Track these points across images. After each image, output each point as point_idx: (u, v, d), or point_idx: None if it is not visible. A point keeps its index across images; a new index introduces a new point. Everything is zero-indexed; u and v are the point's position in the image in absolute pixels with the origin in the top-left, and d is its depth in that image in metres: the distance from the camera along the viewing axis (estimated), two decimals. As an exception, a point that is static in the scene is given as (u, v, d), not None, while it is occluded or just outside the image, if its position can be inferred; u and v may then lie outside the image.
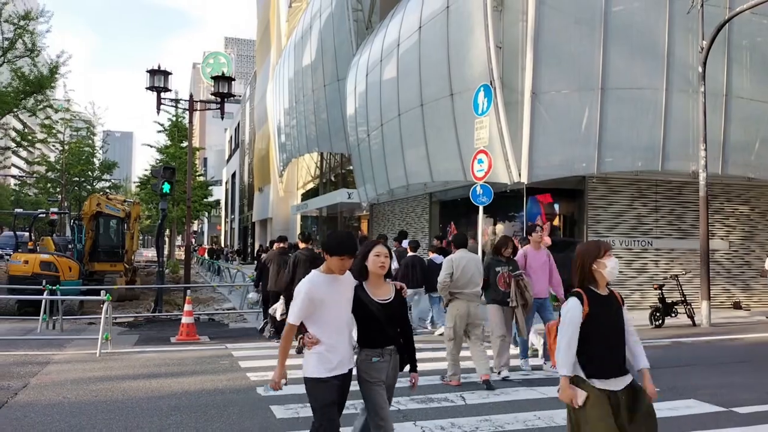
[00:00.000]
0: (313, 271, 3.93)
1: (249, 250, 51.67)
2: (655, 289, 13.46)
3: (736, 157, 15.35)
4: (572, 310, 3.55)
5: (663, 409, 6.31)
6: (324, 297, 3.82)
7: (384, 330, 4.03)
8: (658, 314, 12.97)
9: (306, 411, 6.19)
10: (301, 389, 7.14)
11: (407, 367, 4.26)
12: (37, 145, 45.93)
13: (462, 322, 7.40)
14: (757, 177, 15.89)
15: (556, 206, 15.70)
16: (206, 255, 46.68)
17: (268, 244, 19.15)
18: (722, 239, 16.37)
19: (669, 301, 13.24)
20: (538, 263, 8.49)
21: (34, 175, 50.24)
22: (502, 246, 8.05)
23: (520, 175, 13.99)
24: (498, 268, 7.93)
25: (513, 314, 7.95)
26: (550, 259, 8.62)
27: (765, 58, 15.58)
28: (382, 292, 4.07)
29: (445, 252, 10.84)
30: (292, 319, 3.84)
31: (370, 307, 4.00)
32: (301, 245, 10.24)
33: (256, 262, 18.99)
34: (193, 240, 65.48)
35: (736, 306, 16.20)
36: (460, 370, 7.56)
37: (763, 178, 15.96)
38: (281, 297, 9.69)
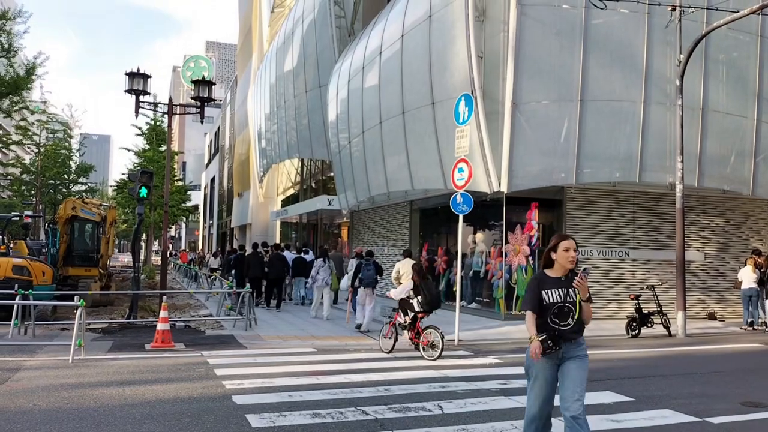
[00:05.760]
0: None
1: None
2: (632, 299, 13.60)
3: (712, 169, 15.59)
4: None
5: (638, 419, 6.36)
6: None
7: None
8: (634, 324, 13.10)
9: (281, 420, 6.13)
10: (276, 397, 7.10)
11: None
12: (12, 146, 45.21)
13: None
14: (732, 190, 16.15)
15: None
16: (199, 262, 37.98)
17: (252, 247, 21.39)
18: (698, 251, 16.59)
19: (645, 311, 13.37)
20: None
21: (9, 177, 49.37)
22: None
23: (500, 184, 14.06)
24: None
25: None
26: None
27: (741, 73, 15.88)
28: None
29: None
30: None
31: None
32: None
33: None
34: (170, 245, 64.84)
35: (711, 317, 16.41)
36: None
37: (737, 191, 16.22)
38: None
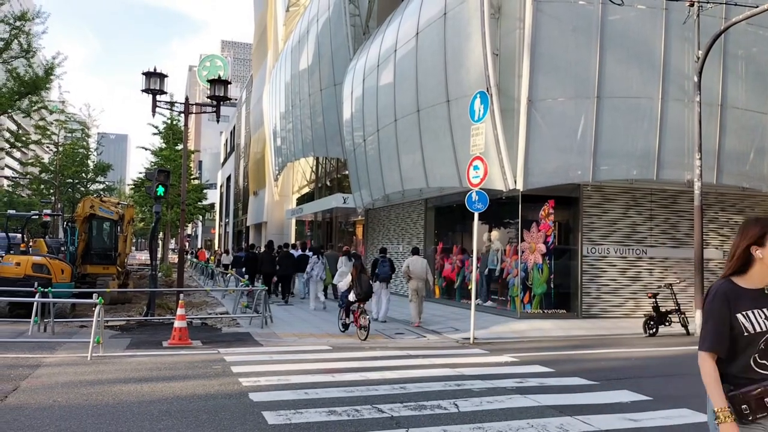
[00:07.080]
0: None
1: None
2: (650, 297, 13.47)
3: (730, 166, 15.40)
4: None
5: (656, 418, 6.31)
6: None
7: None
8: (651, 323, 12.99)
9: (298, 417, 6.15)
10: (293, 395, 7.13)
11: None
12: (31, 146, 45.69)
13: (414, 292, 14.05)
14: (751, 187, 15.94)
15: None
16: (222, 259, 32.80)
17: (266, 246, 21.99)
18: (716, 248, 16.40)
19: (663, 309, 13.26)
20: None
21: (28, 176, 49.94)
22: None
23: (515, 182, 13.99)
24: None
25: None
26: None
27: (760, 69, 15.67)
28: None
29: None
30: None
31: None
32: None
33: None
34: (187, 243, 65.25)
35: (730, 315, 16.20)
36: (419, 317, 14.01)
37: (757, 188, 16.01)
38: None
